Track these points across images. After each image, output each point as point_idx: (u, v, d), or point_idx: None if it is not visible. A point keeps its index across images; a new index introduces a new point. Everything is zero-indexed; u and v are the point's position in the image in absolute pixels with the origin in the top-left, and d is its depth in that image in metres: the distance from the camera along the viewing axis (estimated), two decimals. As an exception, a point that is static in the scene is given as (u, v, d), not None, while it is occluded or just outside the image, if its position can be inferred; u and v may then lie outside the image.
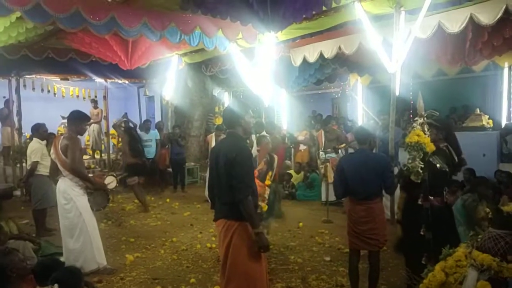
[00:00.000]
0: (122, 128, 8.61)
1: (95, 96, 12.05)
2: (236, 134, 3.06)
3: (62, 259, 4.22)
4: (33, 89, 10.79)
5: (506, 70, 8.46)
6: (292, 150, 9.71)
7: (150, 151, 9.07)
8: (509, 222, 2.57)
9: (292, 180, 8.76)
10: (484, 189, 4.70)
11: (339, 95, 12.04)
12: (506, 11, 4.54)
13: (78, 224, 4.48)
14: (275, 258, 5.01)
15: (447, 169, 3.57)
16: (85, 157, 10.40)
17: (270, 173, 4.90)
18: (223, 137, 3.35)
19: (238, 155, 2.88)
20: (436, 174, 3.53)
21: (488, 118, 7.93)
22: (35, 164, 5.98)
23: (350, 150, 7.42)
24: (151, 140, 9.12)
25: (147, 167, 8.49)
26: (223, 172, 2.93)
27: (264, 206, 4.79)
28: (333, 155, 7.57)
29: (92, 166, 10.89)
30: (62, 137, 4.61)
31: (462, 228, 4.35)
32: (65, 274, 2.84)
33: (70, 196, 4.47)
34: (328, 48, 6.94)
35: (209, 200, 3.39)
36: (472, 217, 4.30)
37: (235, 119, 3.06)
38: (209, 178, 3.35)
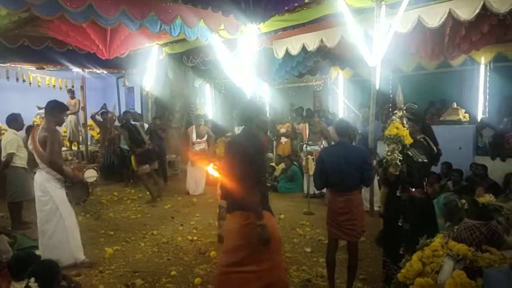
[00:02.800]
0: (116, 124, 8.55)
1: (72, 86, 11.72)
2: (250, 130, 3.07)
3: (38, 252, 4.12)
4: (8, 78, 10.43)
5: (482, 66, 8.64)
6: (274, 142, 9.74)
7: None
8: (484, 213, 2.65)
9: (274, 172, 8.80)
10: (457, 176, 5.83)
11: (321, 88, 12.07)
12: (484, 6, 4.62)
13: (55, 218, 4.37)
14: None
15: (426, 160, 3.63)
16: (62, 148, 10.18)
17: None
18: (239, 132, 3.34)
19: (252, 150, 2.92)
20: (415, 167, 3.59)
21: (465, 112, 8.10)
22: (11, 156, 5.81)
23: (333, 143, 7.48)
24: (131, 131, 9.01)
25: (156, 152, 8.32)
26: (234, 166, 2.96)
27: None
28: (316, 147, 7.62)
29: (70, 158, 10.66)
30: (40, 128, 4.41)
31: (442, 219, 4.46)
32: (42, 267, 2.76)
33: (47, 189, 4.35)
34: (310, 40, 6.95)
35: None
36: (453, 215, 4.39)
37: (251, 116, 3.06)
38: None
